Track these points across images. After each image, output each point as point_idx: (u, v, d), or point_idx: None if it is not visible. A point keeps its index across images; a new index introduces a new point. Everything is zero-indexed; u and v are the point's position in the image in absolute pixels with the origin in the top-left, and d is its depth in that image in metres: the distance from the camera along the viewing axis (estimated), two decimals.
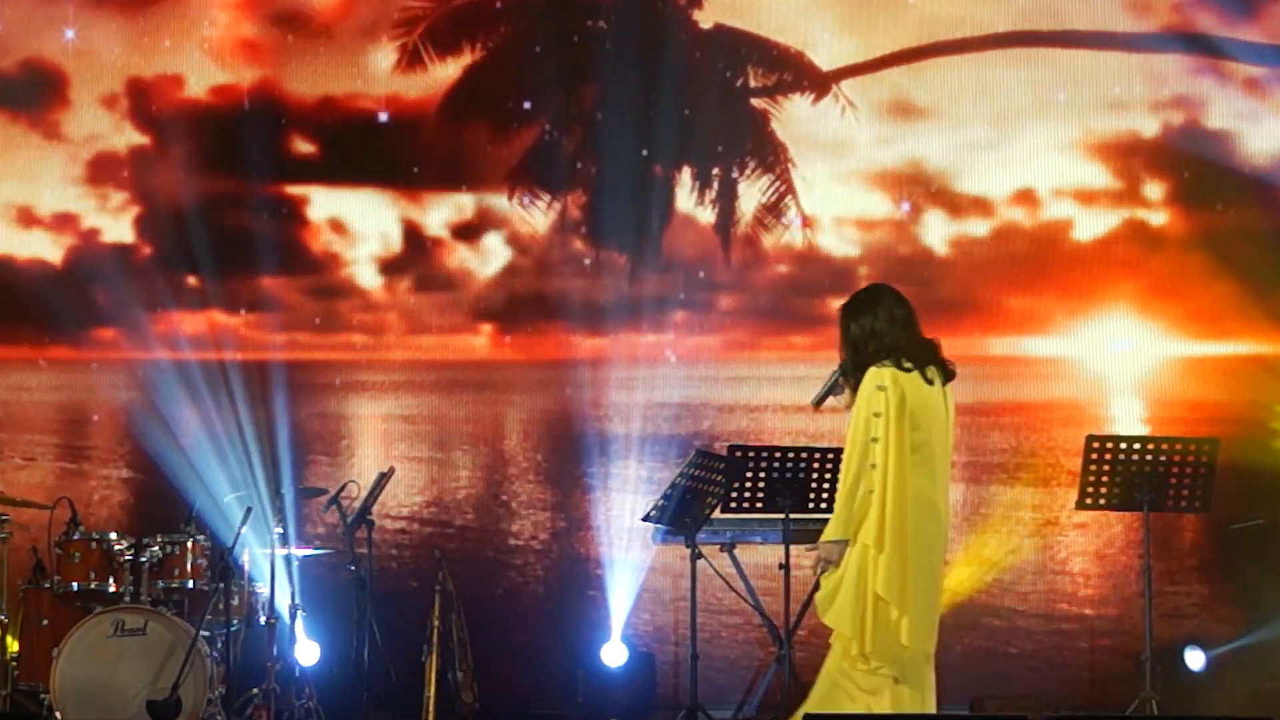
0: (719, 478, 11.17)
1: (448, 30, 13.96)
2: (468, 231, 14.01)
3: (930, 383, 9.02)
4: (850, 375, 9.11)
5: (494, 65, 13.91)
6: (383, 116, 13.90)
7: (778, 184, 13.81)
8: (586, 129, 13.95)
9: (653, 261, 13.83)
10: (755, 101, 13.89)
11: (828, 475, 11.49)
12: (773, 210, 13.82)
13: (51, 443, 14.01)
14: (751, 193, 13.84)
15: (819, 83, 13.78)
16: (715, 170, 13.87)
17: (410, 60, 13.90)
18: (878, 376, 8.92)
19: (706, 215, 13.88)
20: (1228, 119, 13.68)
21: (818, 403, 9.38)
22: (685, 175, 13.87)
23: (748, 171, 13.86)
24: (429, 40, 13.93)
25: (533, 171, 13.91)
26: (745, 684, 12.77)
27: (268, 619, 11.69)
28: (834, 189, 13.85)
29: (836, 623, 9.00)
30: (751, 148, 13.87)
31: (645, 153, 13.78)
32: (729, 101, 13.86)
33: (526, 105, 13.87)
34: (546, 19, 13.89)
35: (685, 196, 13.87)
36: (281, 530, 11.81)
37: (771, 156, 13.84)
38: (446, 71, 13.91)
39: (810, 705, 9.01)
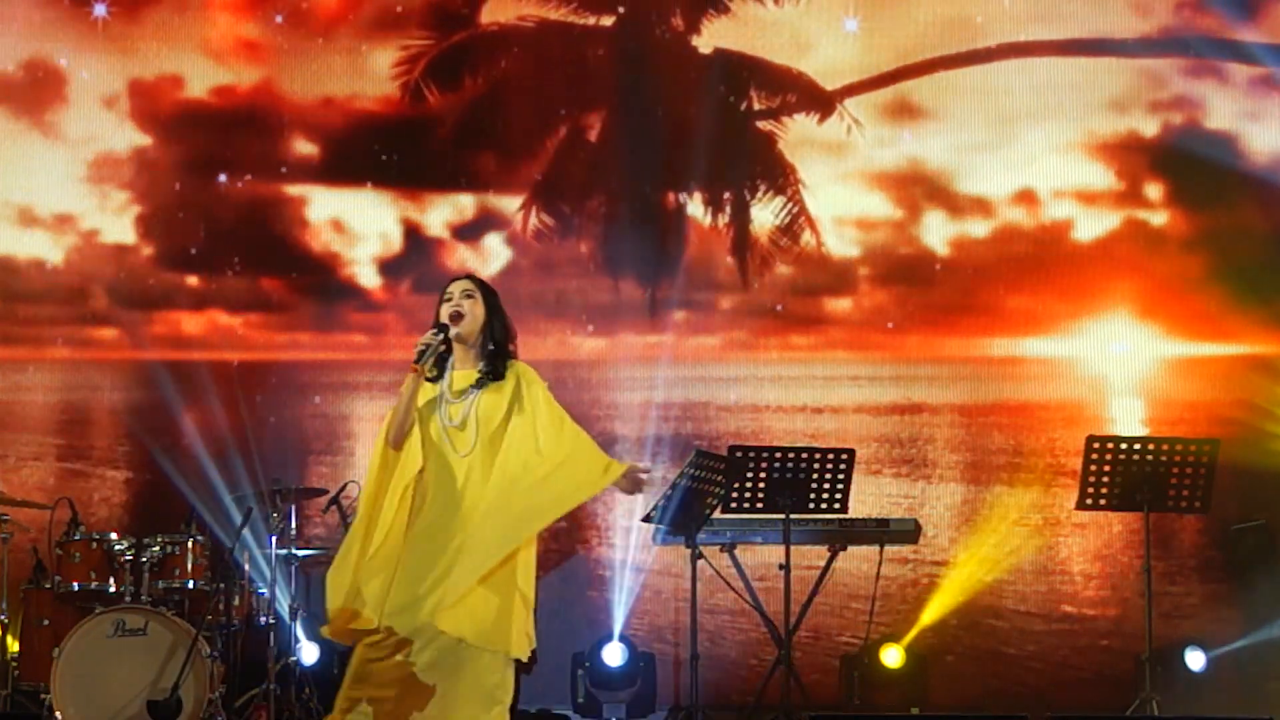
0: (719, 478, 11.17)
1: (449, 64, 13.92)
2: (468, 231, 14.00)
3: None
4: (487, 351, 8.61)
5: (496, 99, 13.87)
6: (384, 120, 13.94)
7: (790, 205, 13.79)
8: (592, 158, 13.90)
9: (670, 296, 13.78)
10: (760, 124, 13.87)
11: (828, 475, 11.50)
12: (787, 232, 13.80)
13: (51, 443, 14.00)
14: (764, 215, 13.82)
15: (823, 102, 13.75)
16: (726, 195, 13.85)
17: (413, 99, 13.87)
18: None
19: (719, 237, 13.84)
20: (1228, 119, 13.68)
21: (420, 361, 8.50)
22: (697, 200, 13.84)
23: (759, 195, 13.83)
24: (430, 77, 13.89)
25: (541, 202, 13.88)
26: (745, 684, 12.77)
27: (268, 619, 11.69)
28: (834, 189, 13.84)
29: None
30: (760, 170, 13.84)
31: (654, 180, 13.77)
32: (734, 125, 13.82)
33: (530, 135, 13.86)
34: (547, 49, 13.86)
35: (698, 221, 13.83)
36: (282, 530, 11.81)
37: (781, 178, 13.81)
38: (449, 105, 13.90)
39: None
